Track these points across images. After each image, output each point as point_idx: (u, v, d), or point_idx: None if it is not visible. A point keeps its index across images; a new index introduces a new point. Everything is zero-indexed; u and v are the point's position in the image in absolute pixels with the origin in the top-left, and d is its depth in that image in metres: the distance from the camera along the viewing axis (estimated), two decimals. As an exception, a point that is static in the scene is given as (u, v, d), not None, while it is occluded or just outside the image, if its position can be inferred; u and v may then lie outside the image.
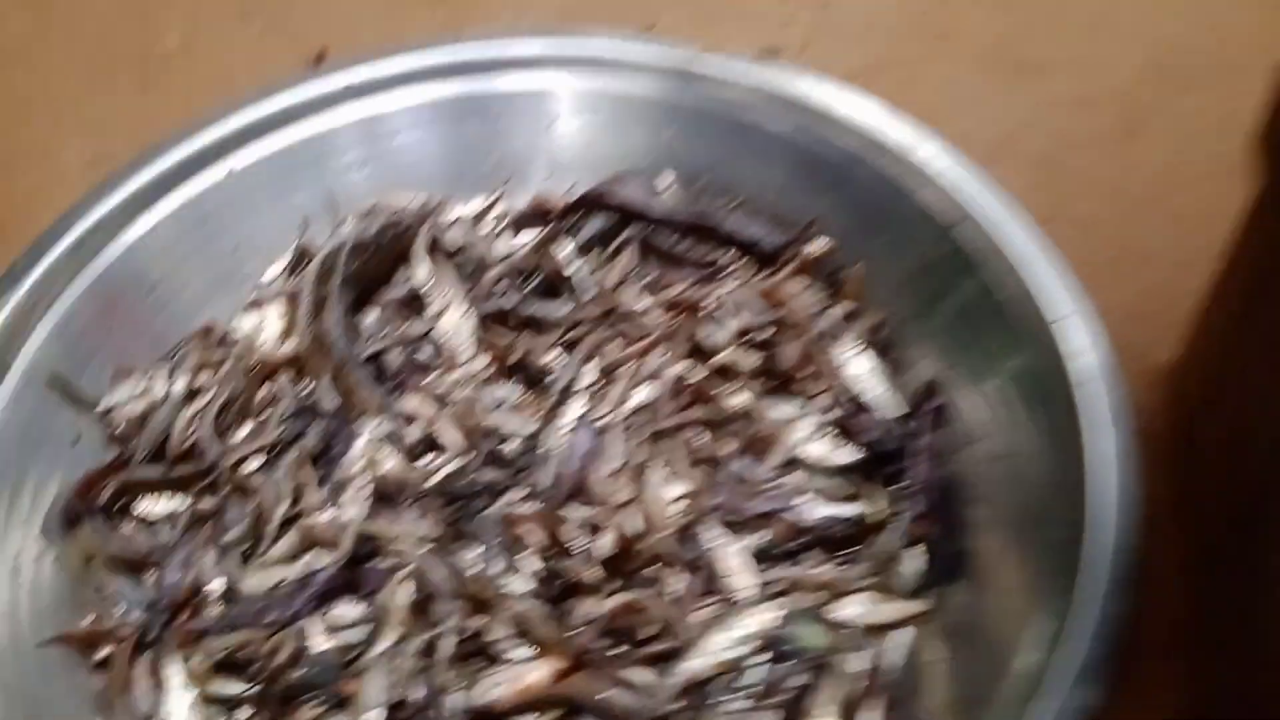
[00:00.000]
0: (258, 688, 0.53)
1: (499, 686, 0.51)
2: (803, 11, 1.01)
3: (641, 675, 0.52)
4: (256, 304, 0.69)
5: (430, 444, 0.62)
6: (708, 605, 0.54)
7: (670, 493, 0.58)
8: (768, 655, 0.53)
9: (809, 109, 0.69)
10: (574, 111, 0.73)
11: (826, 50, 0.99)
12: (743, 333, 0.66)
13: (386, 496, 0.59)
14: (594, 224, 0.73)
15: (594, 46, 0.74)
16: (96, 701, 0.54)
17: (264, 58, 0.98)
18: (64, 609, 0.57)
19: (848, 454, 0.60)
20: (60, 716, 0.53)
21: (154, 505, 0.60)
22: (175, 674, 0.54)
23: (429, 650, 0.53)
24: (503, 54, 0.73)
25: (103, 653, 0.56)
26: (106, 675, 0.55)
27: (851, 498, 0.60)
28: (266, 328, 0.68)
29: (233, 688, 0.54)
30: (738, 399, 0.63)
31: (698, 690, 0.52)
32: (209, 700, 0.54)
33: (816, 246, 0.70)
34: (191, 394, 0.64)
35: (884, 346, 0.66)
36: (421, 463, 0.61)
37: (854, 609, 0.55)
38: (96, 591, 0.58)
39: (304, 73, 0.82)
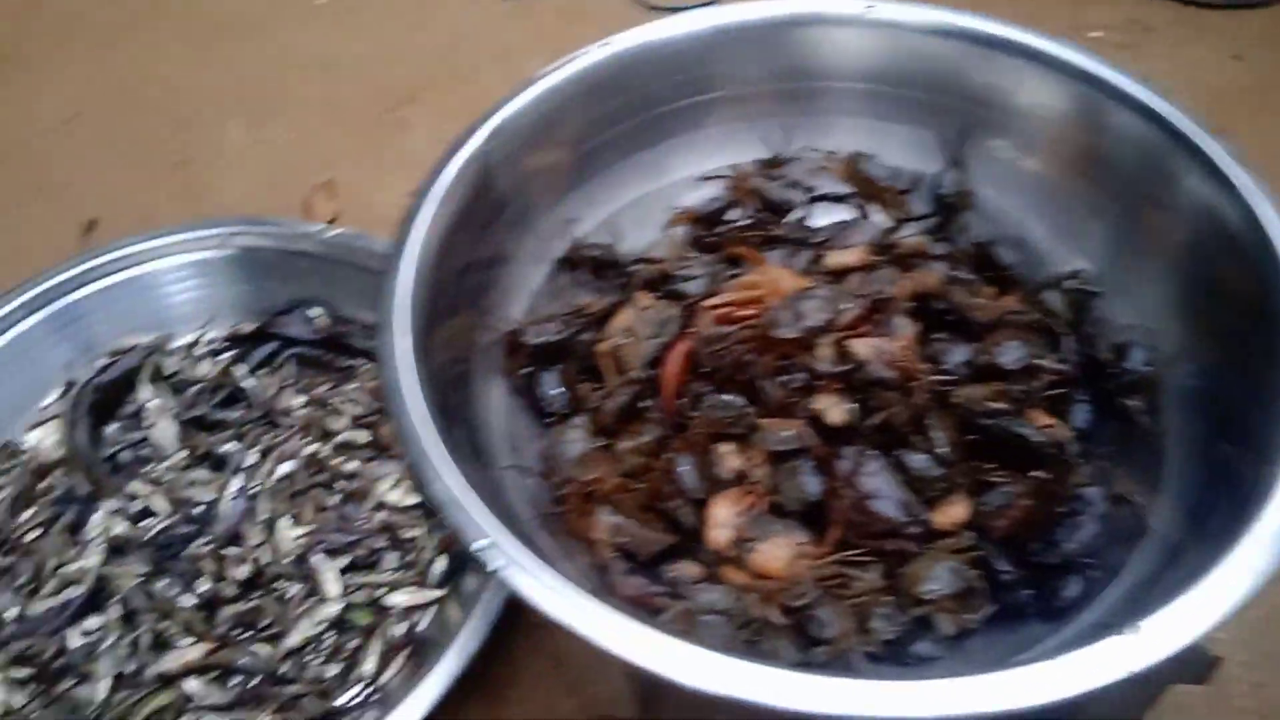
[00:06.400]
0: (36, 671, 0.84)
1: (171, 660, 0.83)
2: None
3: (260, 649, 0.84)
4: (38, 424, 0.99)
5: (148, 512, 0.93)
6: (307, 603, 0.86)
7: (293, 533, 0.90)
8: (335, 631, 0.85)
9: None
10: (229, 271, 1.04)
11: None
12: (357, 418, 0.98)
13: (118, 548, 0.90)
14: (267, 347, 1.04)
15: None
16: None
17: (52, 224, 1.24)
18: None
19: (415, 497, 0.93)
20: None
21: (-27, 565, 0.91)
22: (-11, 667, 0.86)
23: (135, 643, 0.84)
24: (183, 238, 1.03)
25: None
26: None
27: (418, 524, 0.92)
28: (46, 440, 0.98)
29: (23, 672, 0.84)
30: (349, 464, 0.96)
31: (295, 654, 0.84)
32: (9, 681, 0.84)
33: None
34: (-2, 488, 0.94)
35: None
36: (142, 524, 0.92)
37: (399, 597, 0.87)
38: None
39: (77, 242, 1.10)
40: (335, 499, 0.95)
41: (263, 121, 1.38)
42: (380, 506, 0.94)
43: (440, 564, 0.91)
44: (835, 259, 0.73)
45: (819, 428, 0.64)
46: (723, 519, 0.62)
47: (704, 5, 1.49)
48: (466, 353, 0.69)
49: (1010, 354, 0.65)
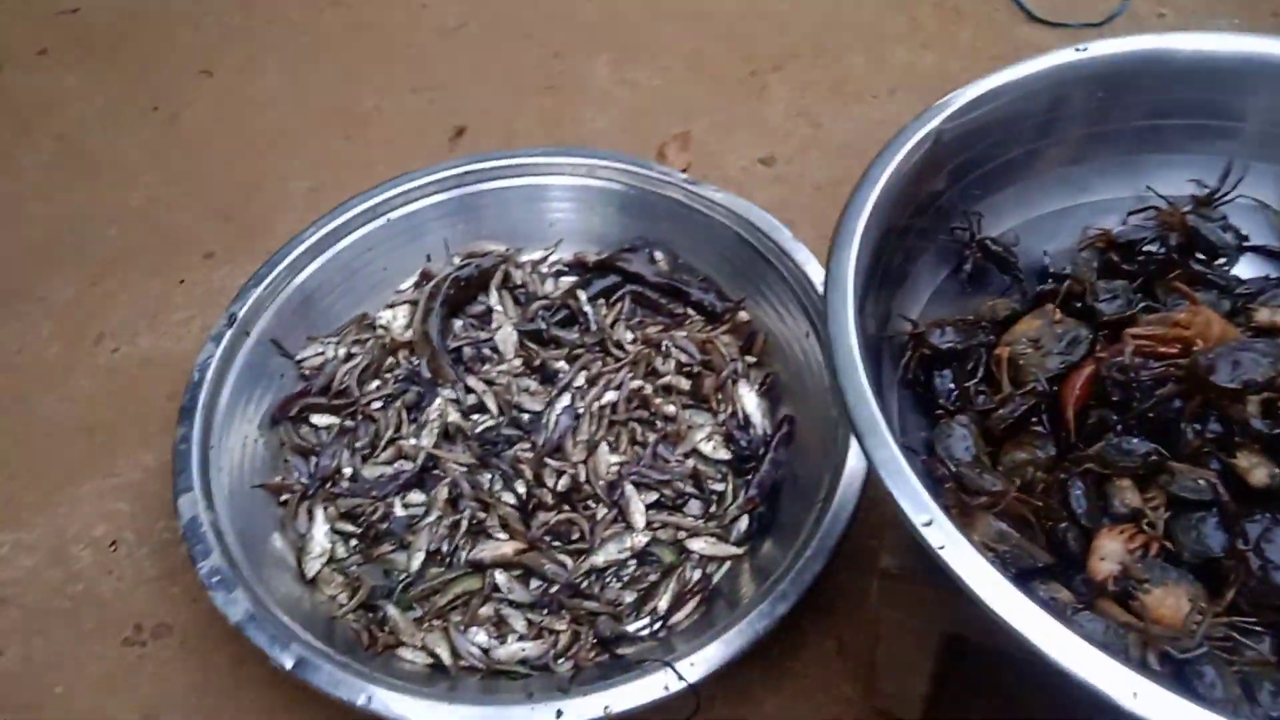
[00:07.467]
0: (361, 530, 0.92)
1: (487, 550, 0.89)
2: (801, 128, 1.32)
3: (567, 560, 0.89)
4: (392, 305, 1.08)
5: (479, 408, 1.00)
6: (613, 527, 0.91)
7: (610, 459, 0.95)
8: (636, 561, 0.89)
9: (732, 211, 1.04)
10: (591, 200, 1.10)
11: (811, 161, 1.30)
12: (681, 365, 1.02)
13: (448, 435, 0.98)
14: (609, 279, 1.09)
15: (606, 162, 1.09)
16: (278, 523, 0.94)
17: (425, 124, 1.35)
18: (266, 470, 0.96)
19: (725, 453, 0.96)
20: (259, 528, 0.92)
21: (320, 419, 1.00)
22: (320, 515, 0.94)
23: (454, 525, 0.91)
24: (557, 161, 1.10)
25: (284, 497, 0.95)
26: (285, 509, 0.94)
27: (725, 478, 0.95)
28: (397, 321, 1.06)
29: (350, 528, 0.93)
30: (669, 407, 0.99)
31: (596, 573, 0.89)
32: (336, 532, 0.93)
33: (742, 315, 1.04)
34: (348, 356, 1.03)
35: (768, 387, 1.00)
36: (472, 419, 0.99)
37: (699, 544, 0.91)
38: (284, 463, 0.98)
39: (446, 145, 1.18)
40: (651, 437, 0.99)
41: (629, 63, 1.44)
42: (692, 454, 0.98)
43: (743, 523, 0.94)
44: (1266, 315, 0.69)
45: (1230, 484, 0.62)
46: (1111, 552, 0.60)
47: (1091, 25, 1.47)
48: (879, 332, 0.70)
49: None
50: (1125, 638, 0.57)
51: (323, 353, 1.03)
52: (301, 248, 1.04)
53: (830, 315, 0.62)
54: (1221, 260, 0.76)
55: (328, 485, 0.96)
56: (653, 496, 0.94)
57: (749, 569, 0.92)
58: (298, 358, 1.02)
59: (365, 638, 0.86)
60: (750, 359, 1.03)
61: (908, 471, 0.54)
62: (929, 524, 0.52)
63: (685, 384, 1.02)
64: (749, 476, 0.95)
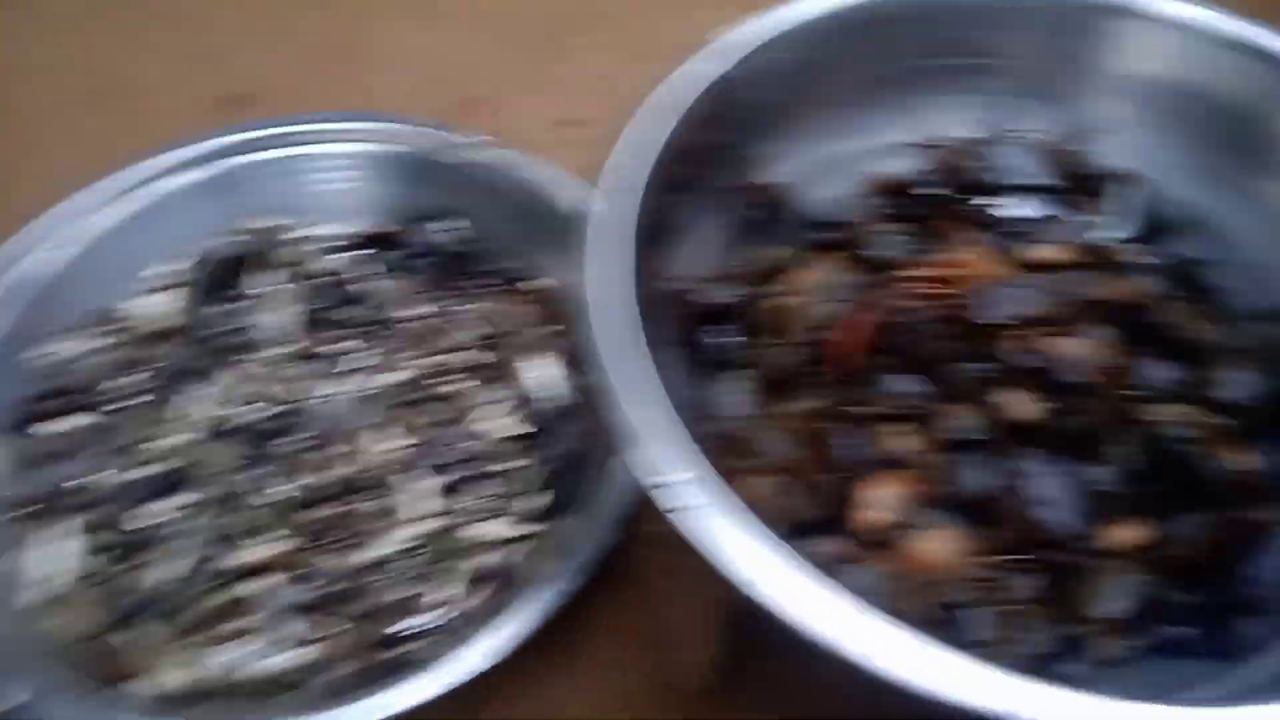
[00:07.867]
0: (111, 541, 0.83)
1: (255, 553, 0.81)
2: (601, 90, 1.25)
3: (346, 556, 0.82)
4: (146, 292, 0.98)
5: (248, 399, 0.91)
6: (396, 516, 0.84)
7: (393, 444, 0.89)
8: (425, 550, 0.83)
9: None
10: (377, 168, 1.04)
11: (612, 123, 1.25)
12: (479, 338, 0.97)
13: (212, 430, 0.89)
14: (398, 252, 1.03)
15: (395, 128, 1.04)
16: (14, 541, 0.83)
17: (201, 95, 1.24)
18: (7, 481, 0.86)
19: (521, 428, 0.91)
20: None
21: (62, 424, 0.89)
22: (62, 529, 0.83)
23: (218, 529, 0.83)
24: (337, 127, 1.04)
25: (19, 512, 0.84)
26: (21, 525, 0.83)
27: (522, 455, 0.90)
28: (151, 309, 0.97)
29: (99, 539, 0.83)
30: (459, 385, 0.94)
31: (380, 566, 0.82)
32: (82, 546, 0.83)
33: (543, 282, 1.00)
34: (94, 351, 0.94)
35: (574, 356, 0.95)
36: (241, 409, 0.91)
37: (495, 527, 0.85)
38: (21, 474, 0.87)
39: (225, 116, 1.11)
40: (444, 417, 0.94)
41: (425, 26, 1.37)
42: (488, 432, 0.92)
43: (541, 500, 0.89)
44: (1035, 252, 0.68)
45: (999, 423, 0.61)
46: (878, 500, 0.59)
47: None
48: (648, 288, 0.66)
49: (1243, 386, 0.61)
50: (894, 586, 0.56)
51: (64, 349, 0.93)
52: (38, 233, 0.95)
53: (585, 267, 0.59)
54: (994, 200, 0.76)
55: (72, 495, 0.86)
56: (446, 480, 0.88)
57: (546, 547, 0.85)
58: (34, 356, 0.92)
59: (109, 665, 0.77)
60: (553, 327, 0.98)
61: (643, 431, 0.51)
62: (661, 486, 0.48)
63: (482, 358, 0.96)
64: (547, 451, 0.91)
